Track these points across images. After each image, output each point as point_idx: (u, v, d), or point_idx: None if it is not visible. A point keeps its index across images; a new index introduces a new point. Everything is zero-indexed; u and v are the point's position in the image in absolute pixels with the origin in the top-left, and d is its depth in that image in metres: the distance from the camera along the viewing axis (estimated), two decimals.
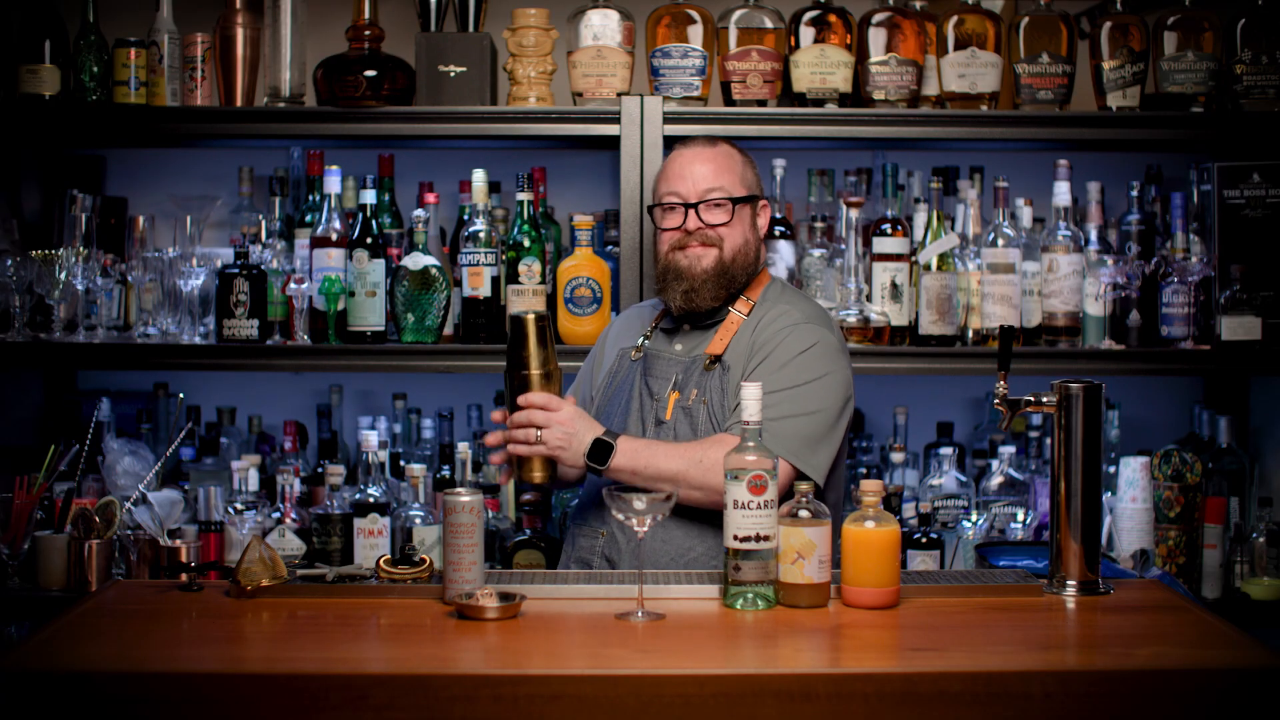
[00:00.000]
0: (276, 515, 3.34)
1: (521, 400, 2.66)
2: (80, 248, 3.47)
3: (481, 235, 3.46)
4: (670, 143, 3.50)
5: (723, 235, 2.86)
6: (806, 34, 3.50)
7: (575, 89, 3.53)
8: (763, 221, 2.95)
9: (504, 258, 3.48)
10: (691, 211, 2.86)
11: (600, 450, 2.68)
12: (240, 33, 3.56)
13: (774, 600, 2.45)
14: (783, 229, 3.56)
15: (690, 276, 2.86)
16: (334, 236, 3.48)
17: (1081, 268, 3.48)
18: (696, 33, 3.51)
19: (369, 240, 3.47)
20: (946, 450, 3.55)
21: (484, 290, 3.46)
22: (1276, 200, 3.53)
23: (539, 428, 2.66)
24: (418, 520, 3.38)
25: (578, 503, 3.02)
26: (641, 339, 2.97)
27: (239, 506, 3.33)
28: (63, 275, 3.44)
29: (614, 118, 3.43)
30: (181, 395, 3.81)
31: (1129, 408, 3.80)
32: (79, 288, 3.47)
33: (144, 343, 3.49)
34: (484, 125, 3.47)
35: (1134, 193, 3.62)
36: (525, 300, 3.41)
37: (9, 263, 3.44)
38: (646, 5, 3.58)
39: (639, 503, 2.42)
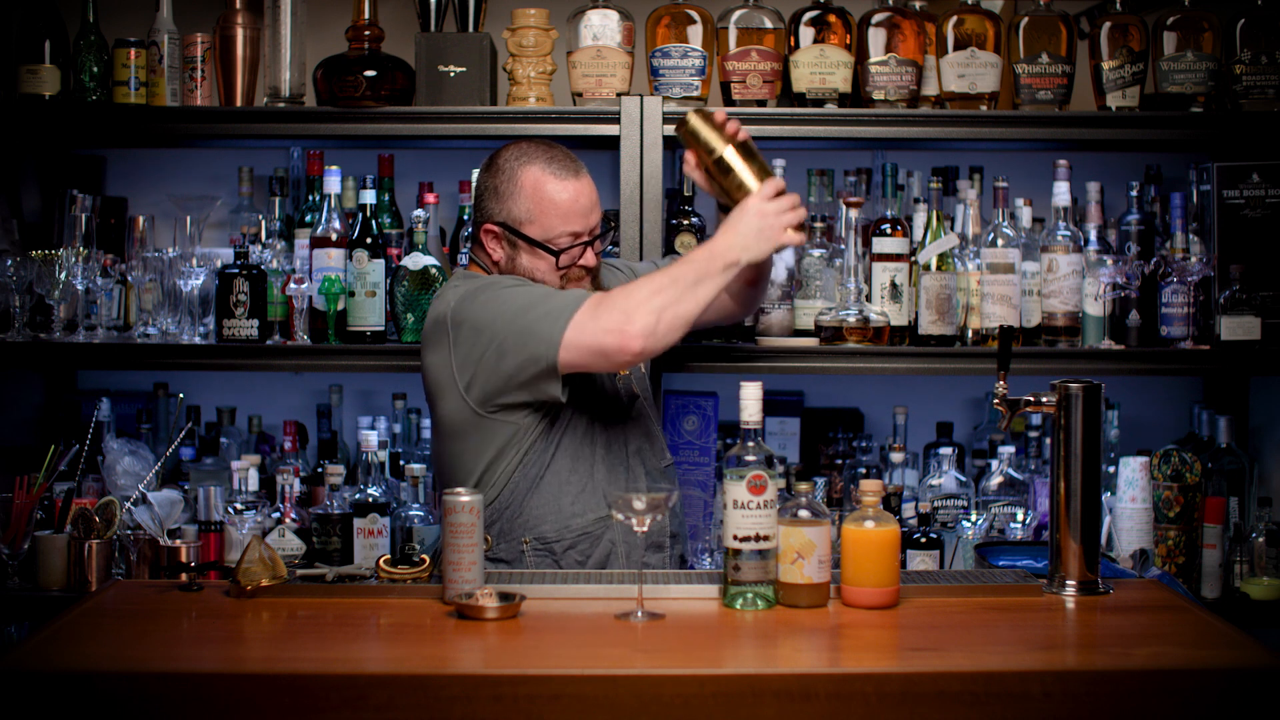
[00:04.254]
0: (276, 515, 3.34)
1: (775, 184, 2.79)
2: (80, 248, 3.47)
3: None
4: (670, 143, 3.51)
5: (600, 259, 2.98)
6: (806, 34, 3.50)
7: (575, 89, 3.53)
8: None
9: None
10: (589, 247, 2.91)
11: None
12: (240, 33, 3.56)
13: (774, 600, 2.46)
14: None
15: None
16: (334, 236, 3.48)
17: (1081, 268, 3.48)
18: (696, 33, 3.52)
19: (369, 240, 3.47)
20: (946, 450, 3.55)
21: None
22: (1276, 200, 3.53)
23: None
24: (417, 520, 3.38)
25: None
26: None
27: (239, 506, 3.33)
28: (63, 275, 3.44)
29: (614, 118, 3.44)
30: (181, 395, 3.81)
31: (1129, 408, 3.80)
32: (79, 288, 3.47)
33: (144, 343, 3.49)
34: (484, 125, 3.47)
35: (1133, 193, 3.62)
36: None
37: (9, 263, 3.45)
38: (646, 5, 3.58)
39: (639, 503, 2.42)
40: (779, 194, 2.76)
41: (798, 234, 2.77)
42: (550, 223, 2.88)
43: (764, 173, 2.79)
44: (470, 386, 2.81)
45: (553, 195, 2.88)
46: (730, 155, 2.77)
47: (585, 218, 2.89)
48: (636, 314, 2.69)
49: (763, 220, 2.74)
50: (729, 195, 2.80)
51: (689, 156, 2.83)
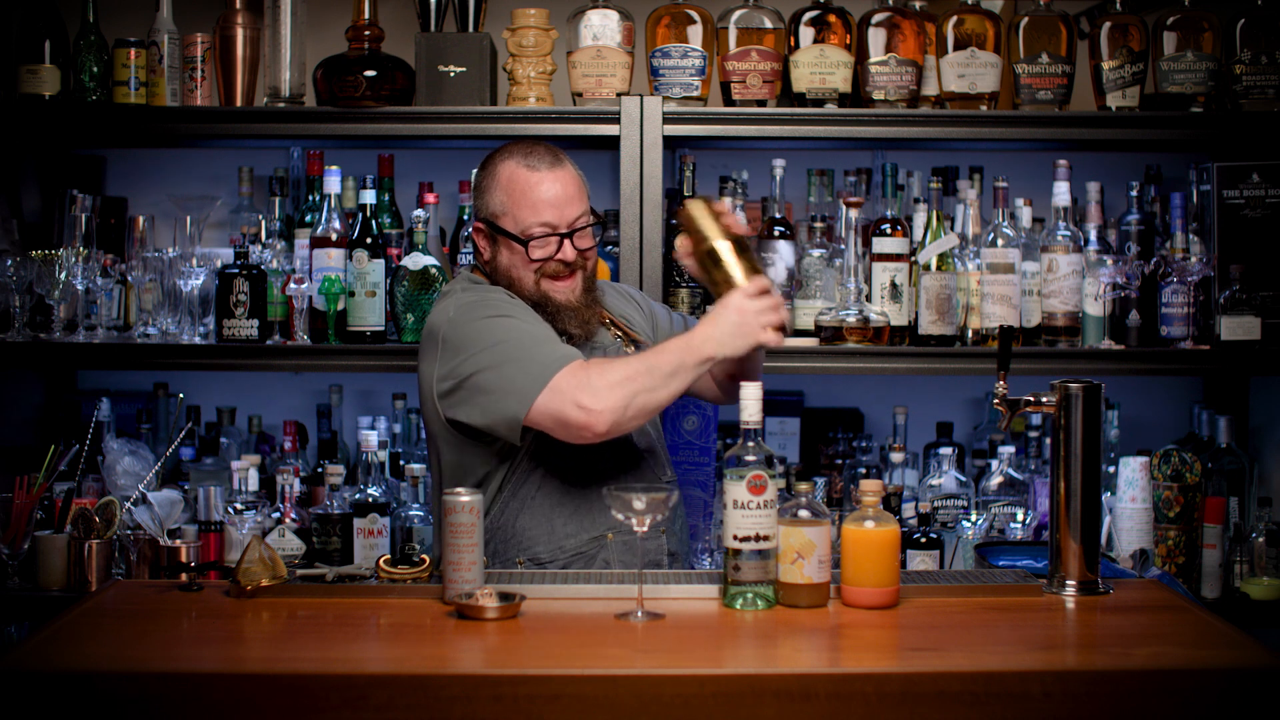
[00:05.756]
0: (276, 515, 3.34)
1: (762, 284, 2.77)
2: (80, 248, 3.47)
3: None
4: (670, 143, 3.52)
5: (587, 258, 2.91)
6: (806, 34, 3.50)
7: (575, 89, 3.53)
8: None
9: None
10: (566, 242, 2.86)
11: None
12: (240, 33, 3.56)
13: (774, 600, 2.46)
14: (782, 229, 3.56)
15: (574, 309, 2.87)
16: (334, 236, 3.48)
17: (1081, 268, 3.48)
18: (696, 33, 3.52)
19: (369, 240, 3.47)
20: (946, 450, 3.55)
21: None
22: (1276, 200, 3.53)
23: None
24: (417, 520, 3.39)
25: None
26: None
27: (239, 506, 3.33)
28: (63, 275, 3.45)
29: (614, 118, 3.44)
30: (181, 395, 3.81)
31: (1129, 408, 3.80)
32: (79, 288, 3.48)
33: (144, 343, 3.49)
34: (484, 125, 3.47)
35: (1133, 193, 3.62)
36: None
37: (9, 263, 3.45)
38: (646, 5, 3.58)
39: (639, 502, 2.42)
40: (763, 293, 2.73)
41: (775, 335, 2.72)
42: (521, 214, 2.85)
43: (753, 270, 2.76)
44: (443, 401, 2.80)
45: (523, 185, 2.85)
46: (722, 248, 2.74)
47: (559, 209, 2.85)
48: (608, 397, 2.65)
49: (742, 318, 2.70)
50: (716, 287, 2.78)
51: (682, 242, 2.80)
